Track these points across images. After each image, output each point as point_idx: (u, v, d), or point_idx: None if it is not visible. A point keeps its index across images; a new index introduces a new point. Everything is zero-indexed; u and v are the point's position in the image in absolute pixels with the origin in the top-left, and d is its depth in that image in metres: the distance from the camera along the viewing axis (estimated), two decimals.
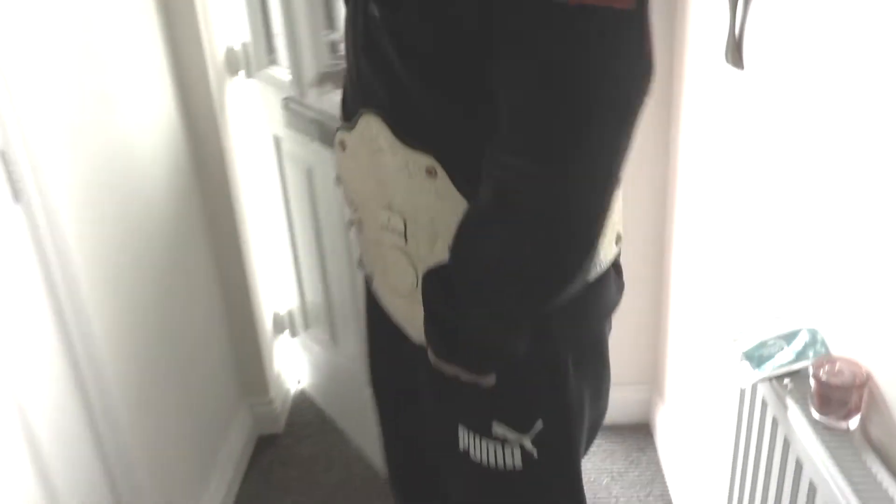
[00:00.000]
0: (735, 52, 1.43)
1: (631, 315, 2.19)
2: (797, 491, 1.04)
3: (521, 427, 1.03)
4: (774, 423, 1.10)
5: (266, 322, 2.41)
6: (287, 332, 2.55)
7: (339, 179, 1.14)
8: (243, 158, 2.24)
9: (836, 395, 0.97)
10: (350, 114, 1.03)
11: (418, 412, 1.18)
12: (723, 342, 1.22)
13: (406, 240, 1.00)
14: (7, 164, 1.26)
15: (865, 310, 1.00)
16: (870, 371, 0.98)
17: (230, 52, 2.13)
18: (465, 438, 1.07)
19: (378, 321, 1.20)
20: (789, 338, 1.13)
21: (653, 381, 2.32)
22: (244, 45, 2.14)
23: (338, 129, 1.07)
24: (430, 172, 0.94)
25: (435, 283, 0.96)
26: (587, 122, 0.79)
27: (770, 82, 1.31)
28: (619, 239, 1.08)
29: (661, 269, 2.14)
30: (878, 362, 0.98)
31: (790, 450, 1.05)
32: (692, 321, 1.88)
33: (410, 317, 1.05)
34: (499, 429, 1.03)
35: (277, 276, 2.46)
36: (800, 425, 1.02)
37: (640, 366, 2.30)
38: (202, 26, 1.95)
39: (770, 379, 1.10)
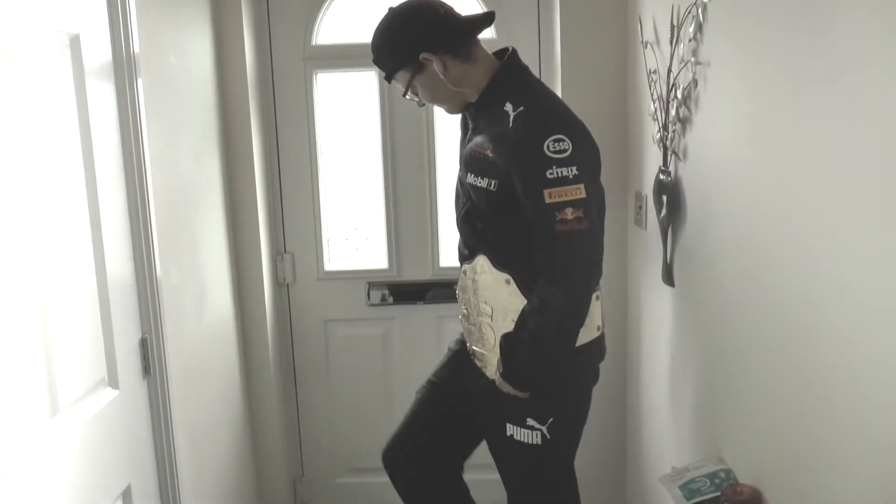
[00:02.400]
0: (666, 274, 1.99)
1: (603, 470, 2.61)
2: None
3: (542, 421, 1.83)
4: None
5: (286, 487, 2.77)
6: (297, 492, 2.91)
7: (459, 291, 1.96)
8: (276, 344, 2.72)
9: None
10: (464, 256, 1.92)
11: (457, 414, 2.04)
12: (663, 478, 1.68)
13: (492, 318, 1.84)
14: (144, 348, 1.74)
15: (758, 455, 1.48)
16: (761, 492, 1.44)
17: (277, 260, 2.68)
18: (511, 428, 1.86)
19: (466, 365, 2.00)
20: (712, 476, 1.59)
21: None
22: (289, 254, 2.69)
23: (462, 264, 1.93)
24: (507, 282, 1.80)
25: (508, 340, 1.79)
26: (577, 278, 1.71)
27: (695, 299, 1.86)
28: (599, 328, 1.89)
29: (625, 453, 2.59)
30: (766, 486, 1.44)
31: None
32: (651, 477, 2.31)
33: (489, 361, 1.89)
34: (530, 421, 1.83)
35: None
36: None
37: None
38: (263, 238, 2.51)
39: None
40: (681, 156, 1.87)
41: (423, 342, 2.77)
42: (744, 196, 1.52)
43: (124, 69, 1.67)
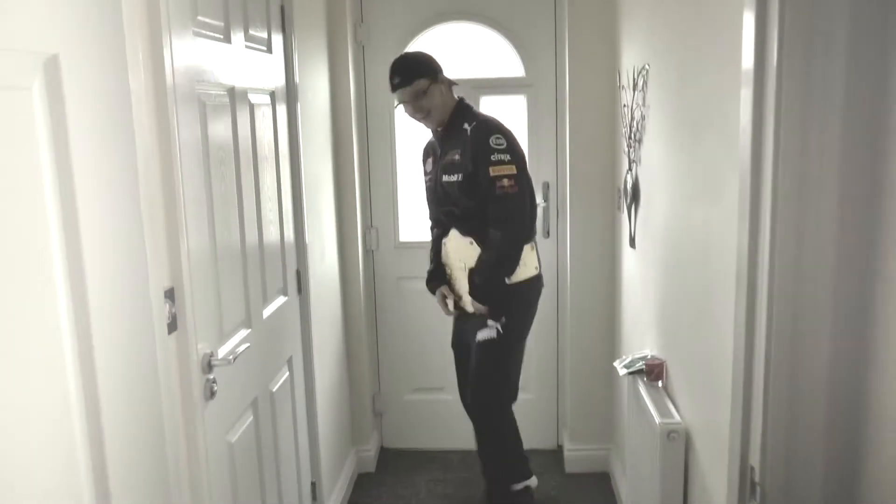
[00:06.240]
0: (631, 241, 3.02)
1: (592, 391, 3.64)
2: (641, 412, 2.48)
3: (497, 320, 2.95)
4: (635, 389, 2.56)
5: (368, 398, 3.85)
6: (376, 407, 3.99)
7: (445, 256, 3.07)
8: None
9: (650, 370, 2.46)
10: (438, 235, 3.13)
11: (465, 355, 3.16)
12: (617, 364, 2.71)
13: (464, 268, 2.96)
14: (298, 276, 2.83)
15: (664, 343, 2.51)
16: (665, 361, 2.47)
17: (367, 232, 3.77)
18: (479, 334, 2.97)
19: (458, 319, 3.18)
20: (642, 358, 2.62)
21: (610, 440, 3.70)
22: (375, 228, 3.79)
23: (443, 237, 3.09)
24: (471, 243, 2.92)
25: (471, 271, 2.92)
26: (510, 223, 2.85)
27: (645, 254, 2.88)
28: (536, 268, 2.99)
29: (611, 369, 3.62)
30: (668, 358, 2.46)
31: (638, 396, 2.51)
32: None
33: (467, 301, 2.99)
34: (490, 322, 2.95)
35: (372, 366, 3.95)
36: (641, 386, 2.49)
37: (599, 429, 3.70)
38: (359, 216, 3.61)
39: (632, 373, 2.58)
40: (638, 162, 2.90)
41: None
42: (662, 189, 2.55)
43: (293, 103, 2.76)
